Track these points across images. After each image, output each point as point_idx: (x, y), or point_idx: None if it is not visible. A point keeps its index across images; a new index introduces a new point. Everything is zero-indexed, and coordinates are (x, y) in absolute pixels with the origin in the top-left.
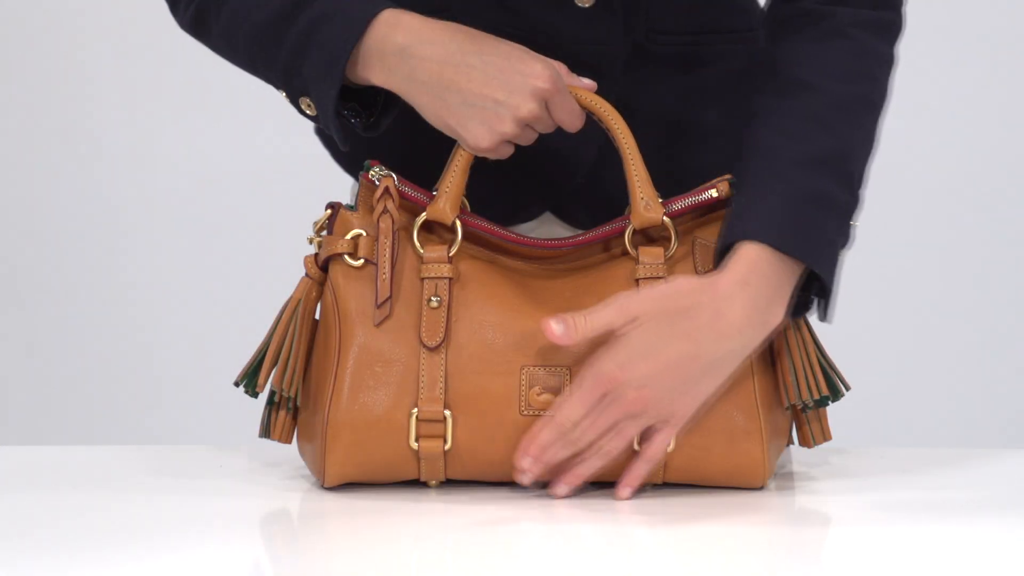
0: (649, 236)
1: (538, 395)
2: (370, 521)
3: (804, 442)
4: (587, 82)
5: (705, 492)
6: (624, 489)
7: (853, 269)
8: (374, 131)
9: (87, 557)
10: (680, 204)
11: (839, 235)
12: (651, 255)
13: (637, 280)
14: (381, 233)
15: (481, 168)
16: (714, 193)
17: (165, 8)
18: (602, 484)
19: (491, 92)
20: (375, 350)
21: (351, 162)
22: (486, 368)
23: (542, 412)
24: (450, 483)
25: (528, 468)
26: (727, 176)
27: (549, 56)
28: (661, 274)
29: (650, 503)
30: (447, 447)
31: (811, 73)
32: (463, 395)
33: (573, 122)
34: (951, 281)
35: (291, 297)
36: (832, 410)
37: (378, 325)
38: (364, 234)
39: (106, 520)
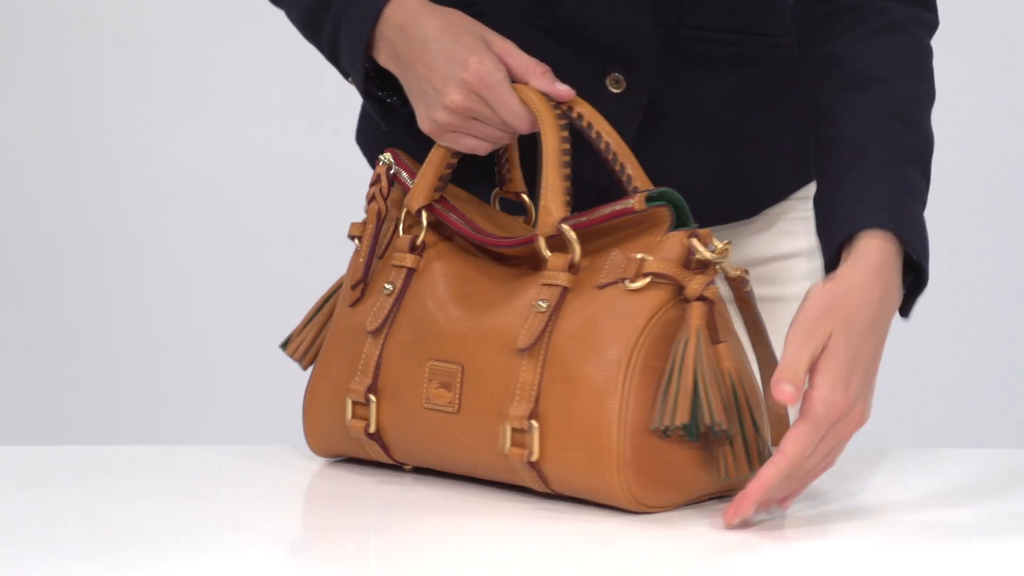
0: (560, 243)
1: (435, 388)
2: (368, 519)
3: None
4: (562, 88)
5: None
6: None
7: None
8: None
9: (87, 557)
10: (591, 216)
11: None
12: (555, 262)
13: (543, 286)
14: (368, 218)
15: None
16: (631, 203)
17: (168, 9)
18: None
19: (431, 77)
20: (348, 328)
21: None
22: (407, 357)
23: (437, 407)
24: (448, 477)
25: (747, 514)
26: (646, 190)
27: (586, 48)
28: (561, 282)
29: None
30: (371, 430)
31: (880, 68)
32: (387, 381)
33: (515, 122)
34: (952, 281)
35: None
36: None
37: (352, 306)
38: None
39: (106, 520)
